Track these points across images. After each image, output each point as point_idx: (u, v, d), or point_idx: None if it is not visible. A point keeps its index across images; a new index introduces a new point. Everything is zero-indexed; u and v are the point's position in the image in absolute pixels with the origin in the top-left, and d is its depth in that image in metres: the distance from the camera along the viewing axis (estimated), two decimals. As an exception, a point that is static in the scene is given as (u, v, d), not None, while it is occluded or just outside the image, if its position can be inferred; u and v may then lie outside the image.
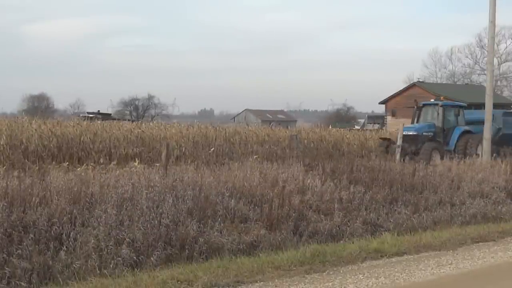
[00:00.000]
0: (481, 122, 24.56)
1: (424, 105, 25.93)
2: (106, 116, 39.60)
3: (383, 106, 65.37)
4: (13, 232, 7.81)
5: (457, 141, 24.49)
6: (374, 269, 8.71)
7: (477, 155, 22.85)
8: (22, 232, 7.89)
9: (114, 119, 34.44)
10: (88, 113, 46.88)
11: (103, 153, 20.19)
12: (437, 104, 25.28)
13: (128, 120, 36.76)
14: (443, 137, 24.66)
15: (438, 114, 24.92)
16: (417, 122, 25.44)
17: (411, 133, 23.81)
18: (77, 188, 9.28)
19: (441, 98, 26.12)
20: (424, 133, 24.15)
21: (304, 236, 10.18)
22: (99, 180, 10.22)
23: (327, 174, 13.02)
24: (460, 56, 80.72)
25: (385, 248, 9.75)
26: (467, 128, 25.29)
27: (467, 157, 20.20)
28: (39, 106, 74.26)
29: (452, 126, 25.06)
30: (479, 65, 77.71)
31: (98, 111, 54.79)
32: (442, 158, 21.55)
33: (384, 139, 26.13)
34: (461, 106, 26.53)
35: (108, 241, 8.13)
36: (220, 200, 10.29)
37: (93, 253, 7.85)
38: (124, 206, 9.06)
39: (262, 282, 7.77)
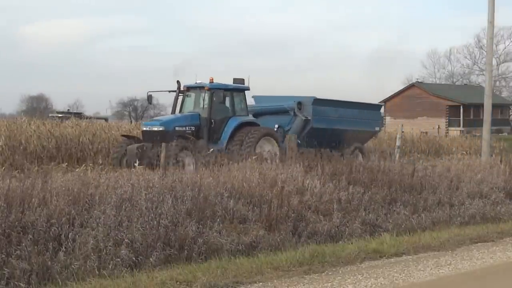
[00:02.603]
0: (278, 112, 21.10)
1: (188, 88, 19.60)
2: (78, 115, 38.87)
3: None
4: (12, 232, 7.80)
5: (231, 136, 18.41)
6: (373, 269, 8.71)
7: (257, 154, 16.80)
8: (21, 233, 7.88)
9: (88, 117, 33.87)
10: (58, 112, 45.87)
11: (102, 153, 20.24)
12: (203, 87, 19.02)
13: (105, 119, 36.07)
14: (211, 132, 18.56)
15: (204, 100, 18.94)
16: (180, 111, 19.49)
17: (155, 129, 17.93)
18: (76, 189, 9.28)
19: (210, 79, 19.04)
20: (176, 128, 18.02)
21: (303, 236, 10.19)
22: (98, 180, 10.22)
23: (326, 175, 13.02)
24: (459, 57, 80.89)
25: (384, 249, 9.76)
26: (247, 119, 19.55)
27: (243, 159, 14.50)
28: (38, 107, 74.16)
29: (225, 117, 18.91)
30: (477, 65, 77.88)
31: (68, 109, 53.72)
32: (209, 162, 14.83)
33: (128, 136, 19.20)
34: (240, 89, 19.77)
35: (107, 241, 8.13)
36: (219, 200, 10.29)
37: (92, 254, 7.84)
38: (123, 206, 9.05)
39: (261, 283, 7.77)
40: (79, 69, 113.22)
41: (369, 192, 12.53)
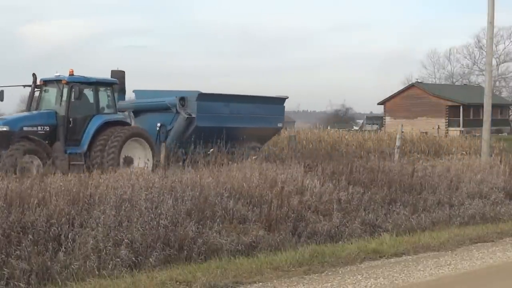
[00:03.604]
0: (159, 109, 18.88)
1: (45, 82, 16.88)
2: None
3: (381, 107, 65.46)
4: (12, 233, 7.80)
5: (93, 138, 15.89)
6: (372, 269, 8.71)
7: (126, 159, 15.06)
8: (21, 233, 7.89)
9: None
10: None
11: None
12: (60, 81, 16.31)
13: None
14: (70, 133, 16.04)
15: (61, 96, 16.23)
16: (37, 109, 16.79)
17: None
18: (75, 189, 9.28)
19: (70, 71, 16.43)
20: (25, 128, 15.46)
21: (303, 236, 10.19)
22: (98, 181, 10.22)
23: (326, 175, 13.02)
24: (459, 57, 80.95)
25: (384, 249, 9.76)
26: (115, 117, 16.87)
27: (107, 167, 12.95)
28: (37, 107, 73.87)
29: (88, 115, 16.32)
30: (477, 65, 77.90)
31: None
32: (57, 166, 13.09)
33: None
34: (107, 83, 17.13)
35: (106, 242, 8.13)
36: (219, 201, 10.29)
37: (92, 254, 7.85)
38: (123, 207, 9.05)
39: (260, 283, 7.77)
40: (79, 69, 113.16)
41: (369, 192, 12.54)
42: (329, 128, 38.62)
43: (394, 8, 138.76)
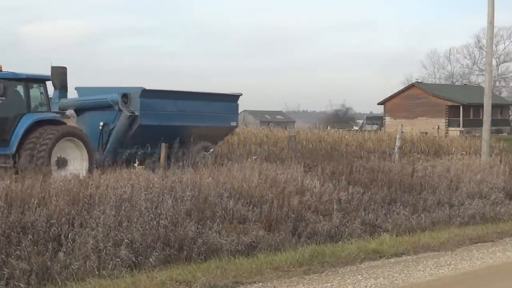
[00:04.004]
0: (102, 107, 17.53)
1: None
2: None
3: (381, 107, 65.48)
4: (12, 233, 7.80)
5: (23, 138, 14.51)
6: (372, 269, 8.71)
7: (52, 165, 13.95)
8: (21, 233, 7.88)
9: None
10: None
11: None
12: None
13: None
14: None
15: None
16: None
17: None
18: (75, 189, 9.28)
19: None
20: None
21: (303, 237, 10.19)
22: (98, 181, 10.22)
23: (326, 175, 13.02)
24: (459, 57, 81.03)
25: (384, 249, 9.76)
26: (48, 116, 15.43)
27: (37, 170, 11.66)
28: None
29: (18, 114, 14.90)
30: (477, 65, 77.96)
31: None
32: None
33: None
34: (39, 80, 15.65)
35: (106, 242, 8.13)
36: (219, 201, 10.29)
37: (92, 254, 7.85)
38: (123, 207, 9.05)
39: (260, 283, 7.77)
40: (79, 69, 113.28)
41: (369, 192, 12.54)
42: (329, 128, 38.63)
43: (394, 8, 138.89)
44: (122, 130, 17.18)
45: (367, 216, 11.59)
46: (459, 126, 57.51)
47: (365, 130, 45.29)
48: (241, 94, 20.46)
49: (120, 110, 17.24)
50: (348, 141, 29.39)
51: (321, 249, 9.31)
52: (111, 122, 17.50)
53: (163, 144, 14.34)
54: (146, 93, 17.50)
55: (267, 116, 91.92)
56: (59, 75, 17.44)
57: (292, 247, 9.63)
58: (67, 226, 8.26)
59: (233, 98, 20.62)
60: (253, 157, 14.95)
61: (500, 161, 18.50)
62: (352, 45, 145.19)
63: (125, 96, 17.23)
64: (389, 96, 63.68)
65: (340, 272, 8.52)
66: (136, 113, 17.12)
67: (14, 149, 14.31)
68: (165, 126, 17.38)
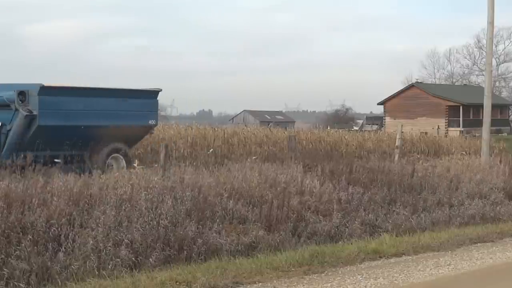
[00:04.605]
0: None
1: None
2: None
3: (381, 107, 65.49)
4: (12, 233, 7.80)
5: None
6: (372, 270, 8.71)
7: None
8: (21, 233, 7.88)
9: None
10: None
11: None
12: None
13: None
14: None
15: None
16: None
17: None
18: (76, 189, 9.28)
19: None
20: None
21: (303, 237, 10.19)
22: (98, 181, 10.23)
23: (326, 175, 13.02)
24: (459, 57, 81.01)
25: (384, 249, 9.76)
26: None
27: None
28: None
29: None
30: (477, 66, 77.95)
31: None
32: None
33: None
34: None
35: (106, 242, 8.13)
36: (219, 201, 10.29)
37: (92, 254, 7.85)
38: (123, 207, 9.05)
39: (260, 283, 7.77)
40: (79, 69, 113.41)
41: (369, 193, 12.53)
42: (329, 128, 38.57)
43: (394, 8, 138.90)
44: (19, 132, 15.29)
45: (367, 216, 11.59)
46: (459, 126, 57.51)
47: (365, 130, 45.29)
48: (161, 90, 18.52)
49: (17, 110, 15.39)
50: (348, 141, 29.32)
51: (321, 249, 9.30)
52: (8, 122, 15.59)
53: (163, 144, 14.28)
54: (46, 90, 15.58)
55: (267, 116, 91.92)
56: None
57: (292, 247, 9.63)
58: (67, 226, 8.25)
59: (151, 95, 18.49)
60: (253, 157, 14.96)
61: (500, 161, 18.49)
62: (352, 45, 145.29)
63: (22, 93, 15.32)
64: (389, 96, 63.67)
65: (340, 272, 8.52)
66: (35, 113, 15.20)
67: None
68: (69, 126, 15.77)
